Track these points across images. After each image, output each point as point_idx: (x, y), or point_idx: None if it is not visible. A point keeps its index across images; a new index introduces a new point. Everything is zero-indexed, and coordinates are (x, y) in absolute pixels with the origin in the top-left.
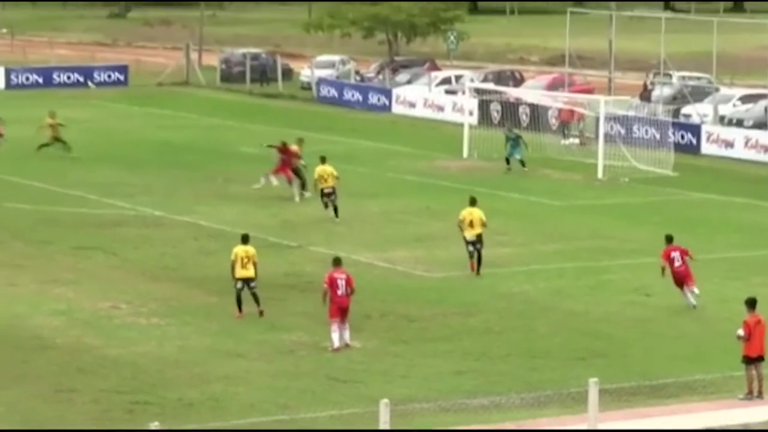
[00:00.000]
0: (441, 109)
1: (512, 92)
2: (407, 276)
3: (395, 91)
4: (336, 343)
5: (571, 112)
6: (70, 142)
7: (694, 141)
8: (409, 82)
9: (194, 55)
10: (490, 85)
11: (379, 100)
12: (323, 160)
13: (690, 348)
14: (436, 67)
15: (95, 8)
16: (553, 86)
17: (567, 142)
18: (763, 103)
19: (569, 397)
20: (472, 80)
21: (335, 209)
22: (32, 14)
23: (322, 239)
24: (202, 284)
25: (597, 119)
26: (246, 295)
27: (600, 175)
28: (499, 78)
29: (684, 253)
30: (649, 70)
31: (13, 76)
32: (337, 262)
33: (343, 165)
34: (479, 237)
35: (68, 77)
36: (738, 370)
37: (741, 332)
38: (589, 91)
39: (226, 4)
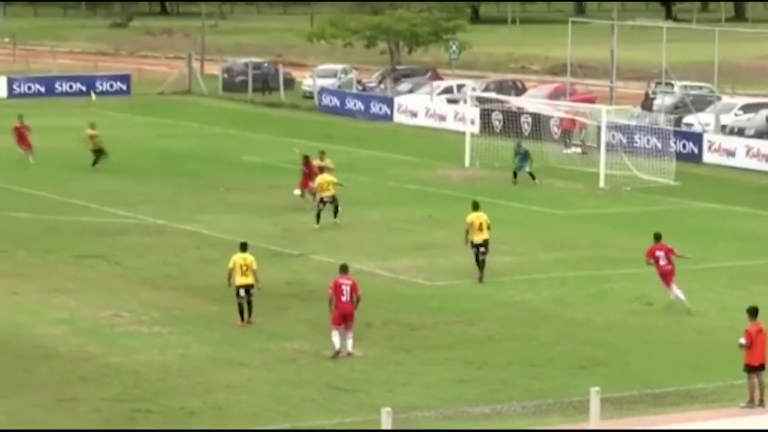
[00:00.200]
0: (443, 118)
1: (514, 101)
2: (409, 284)
3: (397, 100)
4: (336, 346)
5: (573, 121)
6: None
7: (696, 150)
8: (410, 91)
9: (196, 65)
10: (492, 95)
11: (380, 109)
12: (321, 169)
13: (691, 356)
14: (437, 77)
15: (97, 17)
16: (555, 95)
17: (569, 151)
18: (764, 112)
19: (570, 405)
20: (473, 89)
21: (336, 209)
22: (34, 24)
23: (324, 248)
24: (204, 293)
25: (599, 128)
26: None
27: (602, 184)
28: (501, 87)
29: (670, 251)
30: (650, 80)
31: (15, 86)
32: (343, 268)
33: (345, 174)
34: (486, 242)
35: (70, 86)
36: (739, 379)
37: (742, 341)
38: (591, 101)
39: (228, 13)
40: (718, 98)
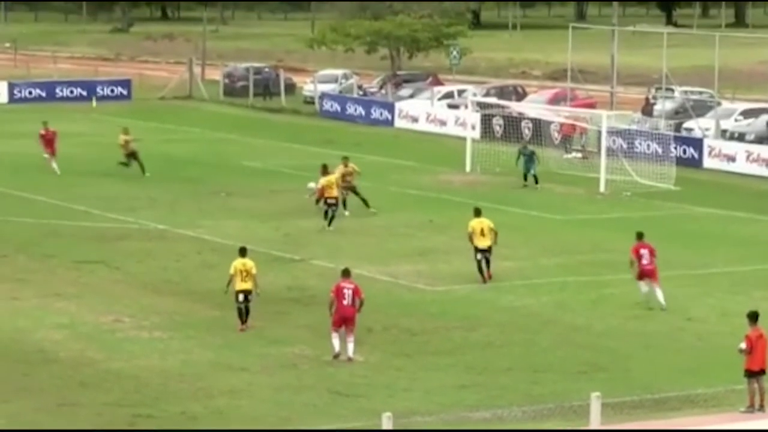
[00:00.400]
0: (443, 123)
1: (515, 106)
2: (410, 289)
3: (398, 106)
4: (336, 348)
5: (573, 126)
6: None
7: (696, 155)
8: (411, 96)
9: (197, 70)
10: (493, 100)
11: (381, 114)
12: (325, 169)
13: (692, 361)
14: (438, 82)
15: (98, 23)
16: (556, 101)
17: (569, 156)
18: (764, 117)
19: (571, 410)
20: (474, 94)
21: (331, 219)
22: (35, 29)
23: (325, 253)
24: (205, 298)
25: (599, 133)
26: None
27: (602, 189)
28: (502, 92)
29: (652, 251)
30: (651, 85)
31: (16, 91)
32: (346, 273)
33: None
34: (489, 247)
35: (71, 91)
36: (739, 384)
37: (743, 346)
38: (592, 106)
39: (229, 19)
40: (719, 103)
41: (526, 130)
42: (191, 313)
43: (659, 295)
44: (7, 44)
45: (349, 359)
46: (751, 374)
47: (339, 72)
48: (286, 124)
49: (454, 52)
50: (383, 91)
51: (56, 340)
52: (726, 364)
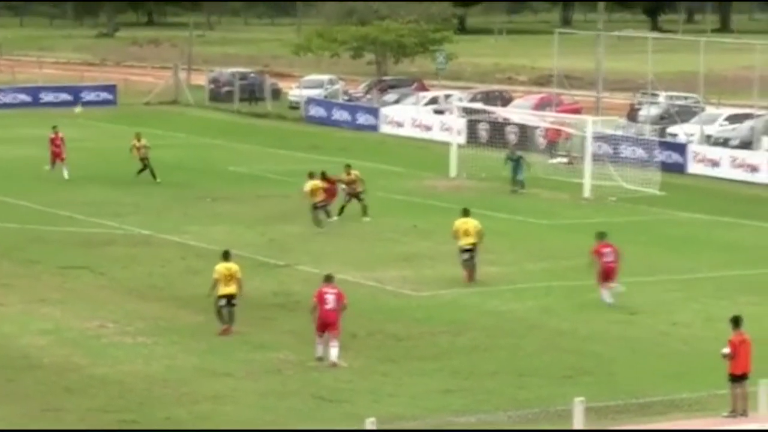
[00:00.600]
0: (429, 128)
1: (500, 112)
2: (395, 295)
3: (383, 111)
4: (319, 352)
5: (558, 131)
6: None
7: (681, 160)
8: (397, 101)
9: (183, 75)
10: (479, 105)
11: (367, 119)
12: (312, 175)
13: (676, 366)
14: (424, 87)
15: (84, 28)
16: (541, 106)
17: (554, 161)
18: (749, 122)
19: (557, 415)
20: (460, 100)
21: (328, 212)
22: (20, 34)
23: (310, 258)
24: (190, 303)
25: (584, 139)
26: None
27: (587, 194)
28: (488, 98)
29: (616, 251)
30: (636, 90)
31: (1, 96)
32: (328, 278)
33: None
34: (474, 245)
35: (56, 97)
36: (723, 388)
37: (726, 351)
38: (577, 111)
39: (215, 24)
40: (703, 109)
41: (512, 135)
42: (176, 319)
43: (613, 291)
44: None
45: (333, 364)
46: (735, 379)
47: (325, 77)
48: (272, 129)
49: (440, 58)
50: (369, 97)
51: (41, 346)
52: (710, 368)
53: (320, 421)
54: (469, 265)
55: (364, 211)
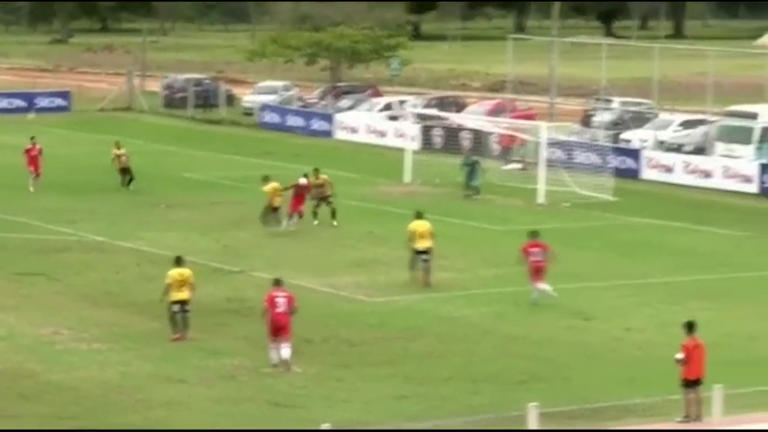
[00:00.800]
0: (383, 134)
1: (454, 118)
2: (349, 300)
3: (338, 117)
4: (274, 361)
5: (512, 137)
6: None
7: (635, 166)
8: (351, 107)
9: (137, 81)
10: (433, 111)
11: (321, 125)
12: (266, 179)
13: (629, 371)
14: (378, 93)
15: (37, 34)
16: (495, 112)
17: (508, 167)
18: (702, 128)
19: (510, 420)
20: (414, 106)
21: (278, 219)
22: None
23: (265, 264)
24: (144, 310)
25: (538, 145)
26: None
27: (541, 200)
28: (442, 104)
29: (545, 249)
30: (590, 96)
31: None
32: (277, 282)
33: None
34: (430, 249)
35: (9, 103)
36: (676, 394)
37: (679, 356)
38: (531, 117)
39: (169, 30)
40: (657, 114)
41: (466, 141)
42: (130, 325)
43: (541, 291)
44: None
45: (285, 362)
46: (688, 384)
47: (279, 83)
48: (226, 135)
49: (395, 64)
50: (323, 103)
51: None
52: (663, 373)
53: (275, 427)
54: (425, 267)
55: (333, 215)
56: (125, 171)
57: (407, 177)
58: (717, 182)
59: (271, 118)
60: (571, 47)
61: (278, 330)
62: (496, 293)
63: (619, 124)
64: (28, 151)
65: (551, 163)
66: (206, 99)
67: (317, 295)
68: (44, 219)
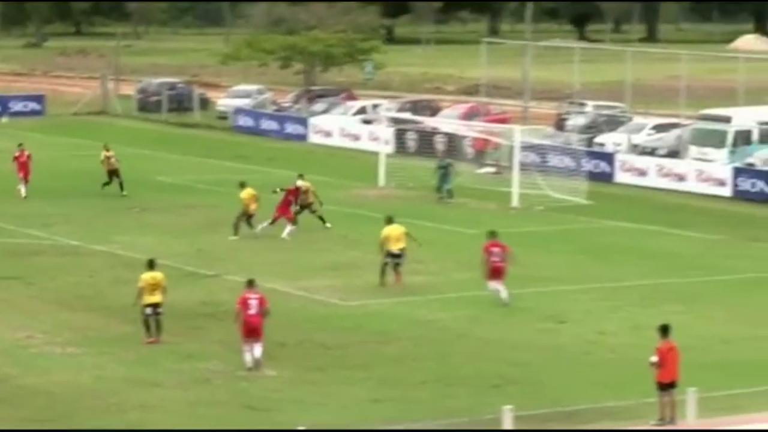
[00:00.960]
0: (357, 138)
1: (428, 121)
2: (323, 304)
3: (312, 121)
4: (249, 364)
5: (486, 140)
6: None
7: (608, 169)
8: (325, 111)
9: (111, 85)
10: (407, 115)
11: (295, 129)
12: (243, 184)
13: (604, 374)
14: (352, 97)
15: (11, 38)
16: (469, 115)
17: (482, 170)
18: (675, 131)
19: (485, 423)
20: (388, 109)
21: (250, 224)
22: None
23: (239, 268)
24: (119, 313)
25: (512, 148)
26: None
27: (515, 203)
28: (416, 107)
29: (504, 249)
30: (563, 100)
31: None
32: (250, 283)
33: (260, 194)
34: (403, 251)
35: None
36: (651, 396)
37: (654, 359)
38: (505, 121)
39: (143, 33)
40: (630, 118)
41: (440, 144)
42: (104, 329)
43: (503, 293)
44: None
45: (257, 362)
46: (662, 387)
47: (253, 87)
48: (200, 139)
49: (368, 67)
50: (297, 106)
51: None
52: (638, 376)
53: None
54: (398, 269)
55: (322, 220)
56: (114, 173)
57: (382, 180)
58: (690, 186)
59: (245, 121)
60: (544, 51)
61: (251, 332)
62: (470, 297)
63: (592, 128)
64: (17, 158)
65: (525, 167)
66: (180, 103)
67: (292, 298)
68: (18, 223)
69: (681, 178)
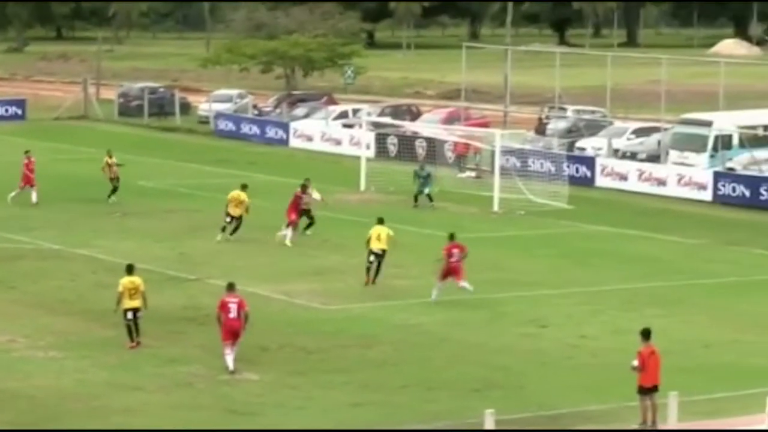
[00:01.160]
0: (338, 142)
1: (409, 126)
2: (305, 308)
3: (293, 125)
4: (231, 366)
5: (467, 145)
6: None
7: (589, 174)
8: (306, 116)
9: (92, 89)
10: (387, 119)
11: (276, 133)
12: (244, 187)
13: (586, 379)
14: (333, 101)
15: None
16: (450, 120)
17: (463, 175)
18: (656, 136)
19: (467, 427)
20: (369, 114)
21: (235, 229)
22: None
23: (221, 272)
24: (100, 317)
25: (493, 152)
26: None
27: (496, 207)
28: (396, 112)
29: (462, 249)
30: (544, 104)
31: None
32: (230, 287)
33: (251, 202)
34: (384, 251)
35: None
36: (633, 400)
37: (635, 363)
38: (485, 125)
39: (124, 38)
40: (611, 122)
41: (420, 149)
42: (86, 333)
43: (466, 285)
44: None
45: (231, 372)
46: (644, 391)
47: (234, 92)
48: (181, 143)
49: (349, 72)
50: (278, 111)
51: None
52: (619, 380)
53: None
54: (375, 268)
55: (308, 226)
56: (114, 180)
57: (362, 185)
58: (671, 190)
59: (226, 126)
60: (524, 55)
61: (232, 335)
62: (451, 301)
63: (573, 132)
64: (26, 165)
65: (506, 171)
66: (161, 107)
67: (273, 302)
68: None
69: (662, 182)
